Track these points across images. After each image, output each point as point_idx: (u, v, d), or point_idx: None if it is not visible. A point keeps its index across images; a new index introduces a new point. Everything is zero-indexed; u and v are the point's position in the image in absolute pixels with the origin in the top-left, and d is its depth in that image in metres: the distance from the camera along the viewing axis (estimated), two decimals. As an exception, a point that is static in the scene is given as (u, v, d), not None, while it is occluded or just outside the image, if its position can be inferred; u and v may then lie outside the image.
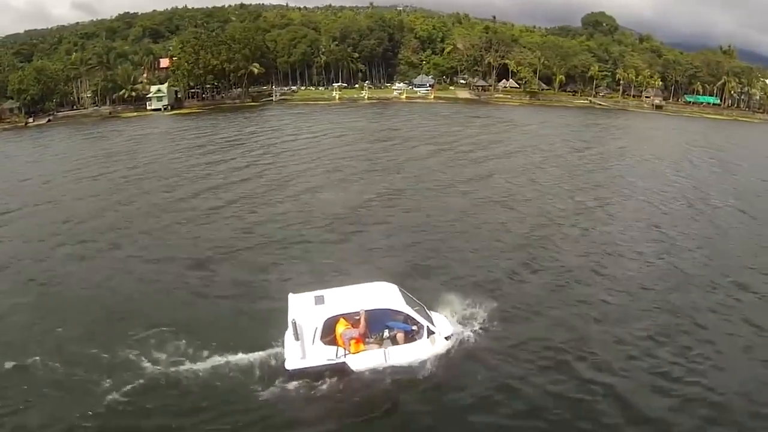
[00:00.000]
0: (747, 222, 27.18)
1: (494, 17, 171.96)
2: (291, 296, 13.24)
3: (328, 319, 12.40)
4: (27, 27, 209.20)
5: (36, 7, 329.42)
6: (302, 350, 12.06)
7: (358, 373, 12.19)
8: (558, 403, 11.78)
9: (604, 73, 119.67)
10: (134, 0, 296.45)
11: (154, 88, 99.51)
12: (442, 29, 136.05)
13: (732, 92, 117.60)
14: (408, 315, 12.85)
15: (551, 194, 30.89)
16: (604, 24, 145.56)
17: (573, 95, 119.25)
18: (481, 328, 14.10)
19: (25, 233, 24.23)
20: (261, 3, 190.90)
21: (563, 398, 11.96)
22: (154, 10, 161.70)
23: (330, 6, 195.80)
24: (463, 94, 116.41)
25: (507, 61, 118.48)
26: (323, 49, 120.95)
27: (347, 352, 12.28)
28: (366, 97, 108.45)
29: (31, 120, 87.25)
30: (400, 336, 12.78)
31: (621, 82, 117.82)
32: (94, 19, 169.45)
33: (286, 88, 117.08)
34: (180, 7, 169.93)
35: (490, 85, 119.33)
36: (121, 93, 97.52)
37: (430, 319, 13.12)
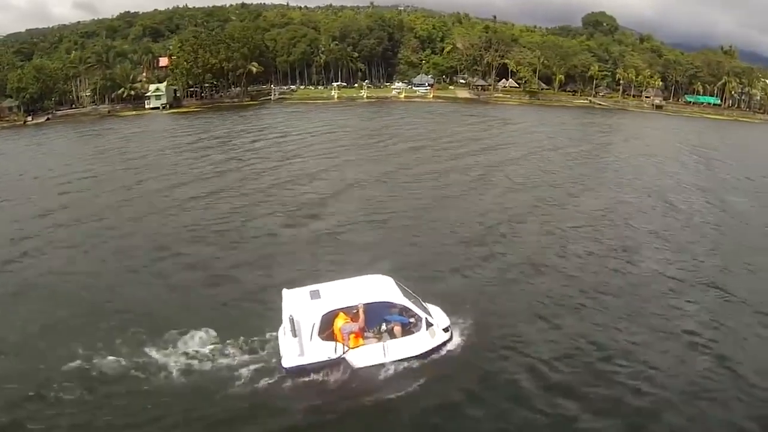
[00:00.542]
0: (721, 219, 27.04)
1: (494, 17, 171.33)
2: (285, 291, 12.86)
3: (326, 313, 12.07)
4: (28, 26, 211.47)
5: (37, 7, 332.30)
6: (300, 347, 11.65)
7: (357, 369, 11.93)
8: (561, 394, 11.63)
9: (604, 73, 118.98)
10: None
11: (152, 87, 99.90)
12: (442, 29, 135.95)
13: (732, 92, 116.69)
14: (406, 307, 12.71)
15: (521, 189, 31.47)
16: (605, 24, 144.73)
17: (573, 95, 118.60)
18: (473, 321, 14.03)
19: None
20: (262, 2, 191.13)
21: (566, 389, 11.81)
22: (154, 10, 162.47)
23: (330, 5, 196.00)
24: (463, 93, 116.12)
25: (507, 61, 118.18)
26: (323, 49, 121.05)
27: (346, 347, 11.98)
28: (364, 96, 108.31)
29: (30, 118, 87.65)
30: (397, 329, 12.66)
31: (621, 82, 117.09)
32: (95, 19, 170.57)
33: (285, 88, 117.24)
34: (181, 6, 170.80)
35: (490, 85, 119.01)
36: (119, 92, 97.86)
37: (427, 311, 12.97)
